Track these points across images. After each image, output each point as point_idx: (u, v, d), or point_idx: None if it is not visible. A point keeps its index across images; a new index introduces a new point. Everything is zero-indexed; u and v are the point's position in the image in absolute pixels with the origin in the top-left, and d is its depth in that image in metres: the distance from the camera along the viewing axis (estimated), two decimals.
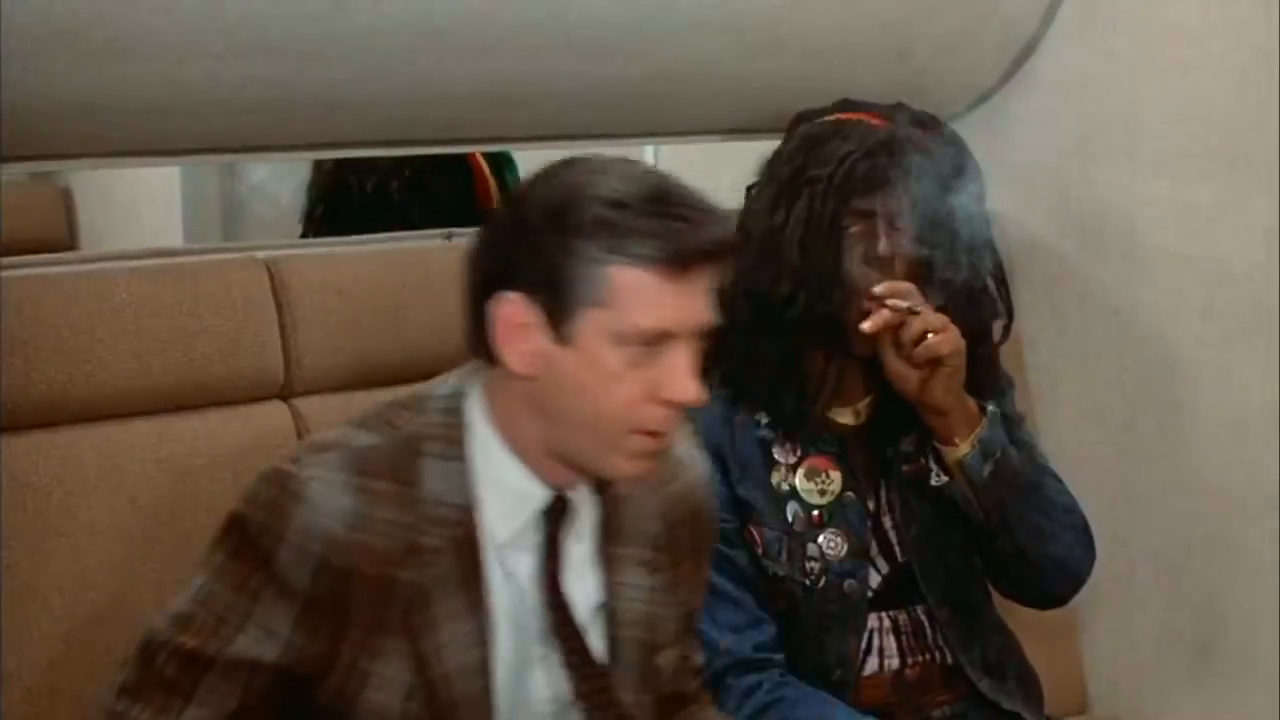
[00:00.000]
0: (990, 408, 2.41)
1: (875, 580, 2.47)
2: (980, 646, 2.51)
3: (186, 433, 2.28)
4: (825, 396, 2.46)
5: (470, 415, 1.95)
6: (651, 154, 4.18)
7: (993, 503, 2.40)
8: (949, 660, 2.49)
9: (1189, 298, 2.94)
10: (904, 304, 2.32)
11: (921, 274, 2.41)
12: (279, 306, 2.35)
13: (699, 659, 2.22)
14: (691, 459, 2.14)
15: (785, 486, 2.45)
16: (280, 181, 4.02)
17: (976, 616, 2.52)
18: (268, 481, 1.90)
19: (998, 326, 2.55)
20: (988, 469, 2.38)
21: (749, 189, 2.54)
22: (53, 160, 2.42)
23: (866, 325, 2.33)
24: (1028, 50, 3.06)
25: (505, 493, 1.95)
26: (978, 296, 2.47)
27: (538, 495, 1.95)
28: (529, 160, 3.71)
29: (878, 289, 2.33)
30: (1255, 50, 2.80)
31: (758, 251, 2.42)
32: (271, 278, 2.36)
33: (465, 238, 2.59)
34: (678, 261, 1.83)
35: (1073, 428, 3.10)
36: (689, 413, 2.11)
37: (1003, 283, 2.54)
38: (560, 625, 1.97)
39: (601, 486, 2.00)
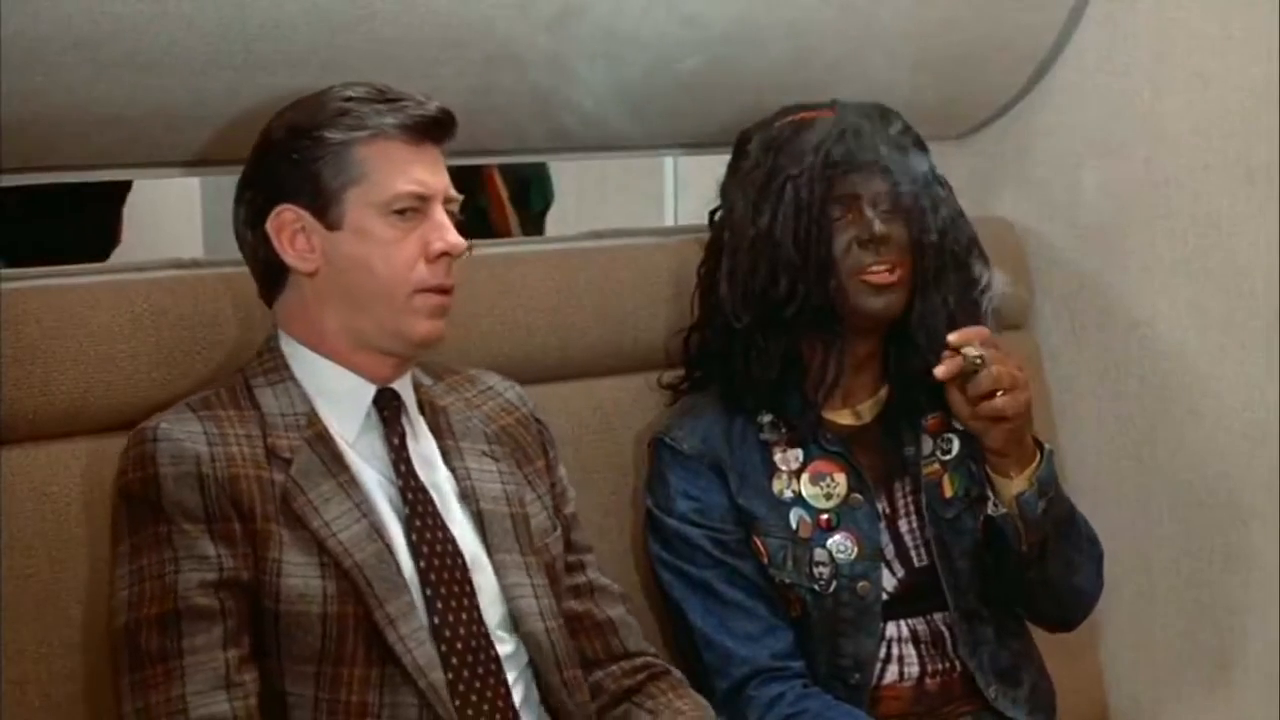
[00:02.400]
0: (1047, 446, 2.40)
1: (891, 584, 2.47)
2: (993, 653, 2.51)
3: None
4: (825, 391, 2.49)
5: (284, 346, 2.17)
6: (671, 165, 4.19)
7: (1038, 538, 2.40)
8: (970, 669, 2.49)
9: (1209, 310, 2.93)
10: (975, 353, 2.28)
11: (911, 250, 2.45)
12: None
13: (600, 579, 2.34)
14: (505, 385, 2.37)
15: (789, 494, 2.46)
16: None
17: (991, 623, 2.52)
18: (128, 447, 2.08)
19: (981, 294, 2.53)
20: (1041, 506, 2.37)
21: (712, 214, 2.61)
22: (73, 171, 2.42)
23: (940, 371, 2.30)
24: (1047, 63, 3.06)
25: (336, 396, 2.16)
26: (963, 263, 2.49)
27: (365, 389, 2.16)
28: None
29: (953, 337, 2.30)
30: (1274, 63, 2.80)
31: (749, 257, 2.47)
32: None
33: (486, 249, 2.61)
34: (413, 129, 2.12)
35: (1094, 440, 3.09)
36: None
37: (978, 253, 2.54)
38: (405, 483, 2.14)
39: (415, 390, 2.23)
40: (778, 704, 2.39)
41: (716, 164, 2.61)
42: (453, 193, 2.15)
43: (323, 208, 2.10)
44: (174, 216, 4.53)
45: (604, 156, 3.18)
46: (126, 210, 3.83)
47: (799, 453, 2.49)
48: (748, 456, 2.48)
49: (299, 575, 2.04)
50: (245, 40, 2.24)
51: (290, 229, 2.12)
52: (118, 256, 3.74)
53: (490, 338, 2.52)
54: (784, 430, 2.49)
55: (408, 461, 2.16)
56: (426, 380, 2.28)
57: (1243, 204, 2.88)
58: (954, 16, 2.87)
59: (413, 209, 2.10)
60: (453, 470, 2.21)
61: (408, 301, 2.11)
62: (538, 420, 2.36)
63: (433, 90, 2.29)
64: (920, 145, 2.51)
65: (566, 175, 3.87)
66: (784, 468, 2.48)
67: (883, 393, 2.54)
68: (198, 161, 2.40)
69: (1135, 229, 3.01)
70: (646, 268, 2.67)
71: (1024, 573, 2.43)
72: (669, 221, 4.07)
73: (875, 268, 2.43)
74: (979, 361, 2.28)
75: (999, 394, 2.29)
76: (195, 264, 2.37)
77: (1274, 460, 2.87)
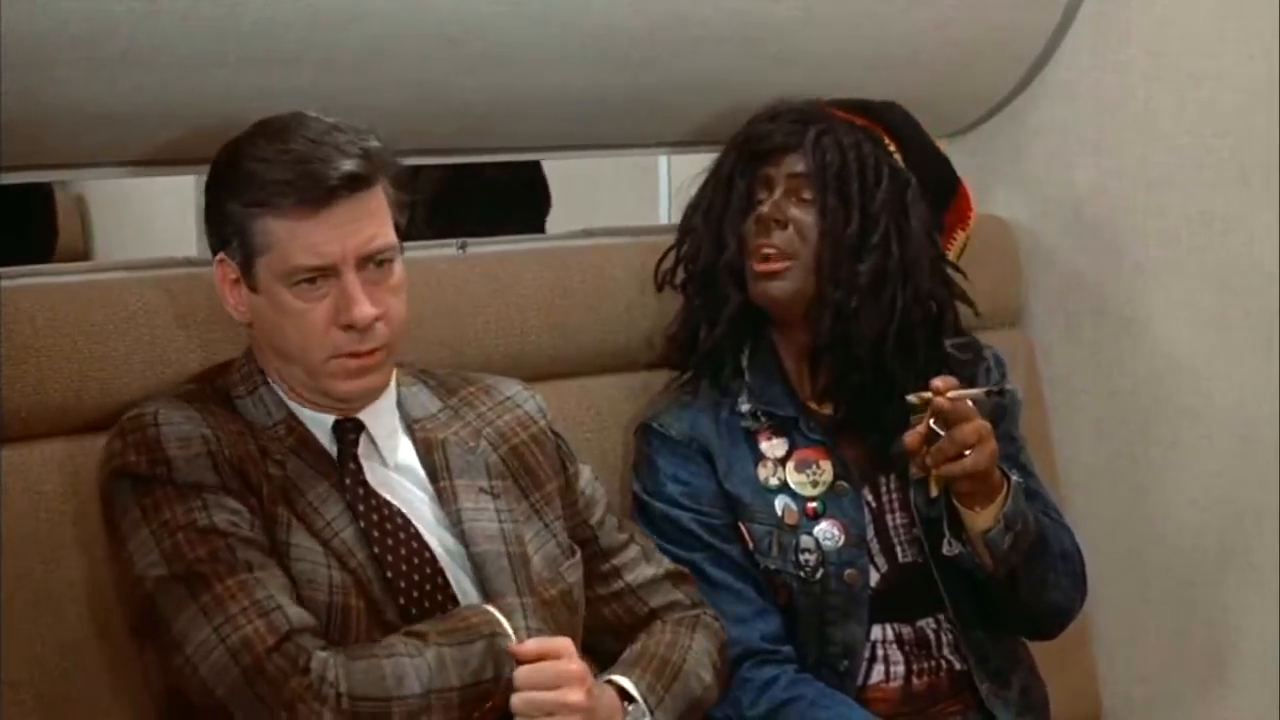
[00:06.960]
0: (1014, 478, 2.39)
1: (874, 577, 2.47)
2: (986, 653, 2.51)
3: None
4: (799, 380, 2.51)
5: (260, 362, 2.15)
6: (664, 164, 4.19)
7: (1007, 568, 2.40)
8: (957, 668, 2.49)
9: (1202, 309, 2.93)
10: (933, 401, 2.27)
11: (821, 245, 2.44)
12: None
13: (640, 576, 2.33)
14: (522, 397, 2.31)
15: (774, 481, 2.47)
16: None
17: (982, 623, 2.52)
18: (125, 432, 2.05)
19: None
20: (1008, 540, 2.37)
21: None
22: (67, 169, 2.42)
23: (906, 439, 2.30)
24: (1041, 61, 3.06)
25: (303, 418, 2.14)
26: (886, 288, 2.45)
27: (323, 421, 2.13)
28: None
29: (936, 381, 2.28)
30: (1268, 61, 2.80)
31: (684, 220, 2.57)
32: None
33: (480, 247, 2.61)
34: (313, 202, 2.02)
35: (1087, 438, 3.09)
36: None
37: (940, 279, 2.53)
38: (354, 492, 2.11)
39: (411, 427, 2.19)
40: (771, 687, 2.40)
41: (710, 162, 2.61)
42: (377, 244, 2.06)
43: (245, 267, 2.07)
44: (167, 215, 4.53)
45: (598, 155, 3.17)
46: (122, 207, 3.83)
47: (784, 441, 2.49)
48: (734, 443, 2.49)
49: (308, 560, 2.03)
50: (239, 39, 2.24)
51: (228, 279, 2.10)
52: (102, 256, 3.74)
53: (484, 335, 2.52)
54: (764, 419, 2.49)
55: (356, 489, 2.11)
56: (431, 407, 2.23)
57: (1237, 203, 2.88)
58: (947, 15, 2.87)
59: (321, 276, 2.04)
60: (446, 513, 2.16)
61: (324, 365, 2.08)
62: (555, 434, 2.32)
63: (425, 88, 2.29)
64: (892, 157, 2.49)
65: (560, 173, 3.86)
66: (769, 455, 2.48)
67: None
68: (191, 160, 2.40)
69: (1129, 227, 3.01)
70: (640, 266, 2.67)
71: (994, 591, 2.44)
72: (663, 220, 4.07)
73: (761, 247, 2.46)
74: (939, 431, 2.27)
75: (966, 453, 2.28)
76: (189, 262, 2.37)
77: (1268, 458, 2.87)
